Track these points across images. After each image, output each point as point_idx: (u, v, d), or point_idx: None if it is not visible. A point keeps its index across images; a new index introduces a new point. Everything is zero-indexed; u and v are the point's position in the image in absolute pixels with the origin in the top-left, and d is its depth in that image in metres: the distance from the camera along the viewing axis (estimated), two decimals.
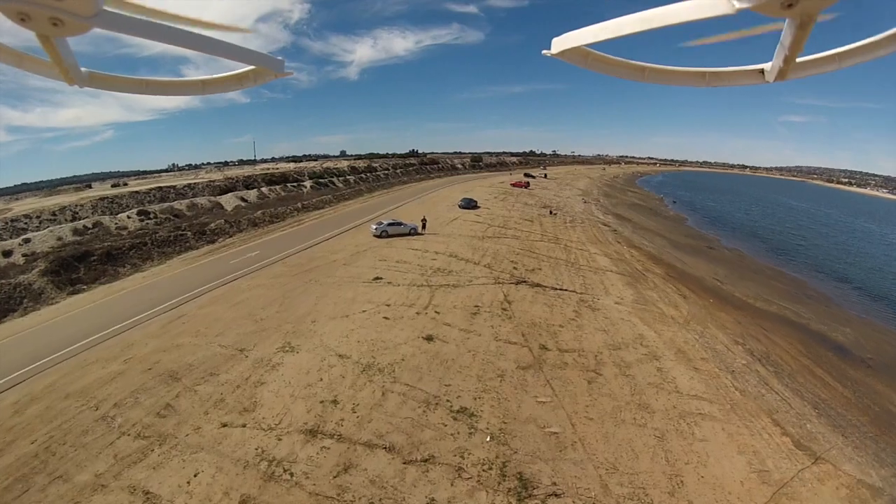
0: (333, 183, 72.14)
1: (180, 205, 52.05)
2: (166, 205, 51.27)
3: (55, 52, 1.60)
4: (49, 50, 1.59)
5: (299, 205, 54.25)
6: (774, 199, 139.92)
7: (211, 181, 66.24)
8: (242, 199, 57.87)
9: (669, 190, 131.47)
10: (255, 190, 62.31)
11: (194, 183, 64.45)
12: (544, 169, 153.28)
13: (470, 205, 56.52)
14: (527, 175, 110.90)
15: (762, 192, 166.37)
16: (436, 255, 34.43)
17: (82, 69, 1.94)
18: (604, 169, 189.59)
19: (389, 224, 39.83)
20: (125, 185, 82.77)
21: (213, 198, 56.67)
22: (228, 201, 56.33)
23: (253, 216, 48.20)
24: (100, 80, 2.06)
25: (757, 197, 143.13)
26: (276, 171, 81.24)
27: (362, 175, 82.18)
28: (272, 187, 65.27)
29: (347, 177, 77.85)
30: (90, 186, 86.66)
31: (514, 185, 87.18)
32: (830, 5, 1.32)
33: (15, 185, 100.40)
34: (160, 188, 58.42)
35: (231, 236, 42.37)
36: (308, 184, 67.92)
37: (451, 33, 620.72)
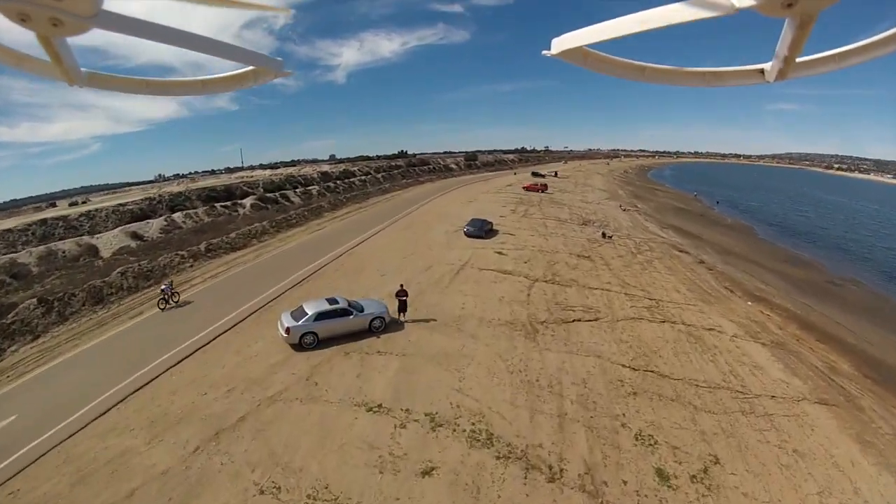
0: (287, 198, 48.92)
1: (29, 256, 29.67)
2: (7, 258, 29.02)
3: (55, 52, 1.49)
4: (49, 50, 1.48)
5: (202, 247, 31.06)
6: (804, 193, 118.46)
7: (120, 205, 43.53)
8: (135, 237, 35.17)
9: (692, 186, 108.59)
10: (160, 219, 39.57)
11: (96, 210, 41.70)
12: (565, 164, 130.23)
13: (482, 229, 33.49)
14: (535, 174, 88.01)
15: (783, 184, 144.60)
16: (439, 456, 11.67)
17: (82, 70, 1.72)
18: (607, 163, 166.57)
19: (321, 316, 16.48)
20: (84, 202, 63.51)
21: (87, 239, 33.97)
22: (110, 242, 33.83)
23: (105, 281, 25.44)
24: (100, 81, 1.82)
25: (785, 191, 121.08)
26: (219, 185, 58.33)
27: (331, 184, 58.84)
28: (195, 212, 42.30)
29: (310, 187, 54.54)
30: (54, 205, 70.58)
31: (528, 188, 64.34)
32: (830, 5, 1.25)
33: (3, 202, 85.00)
34: (44, 221, 36.35)
35: (36, 338, 19.78)
36: (248, 203, 44.69)
37: (437, 33, 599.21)
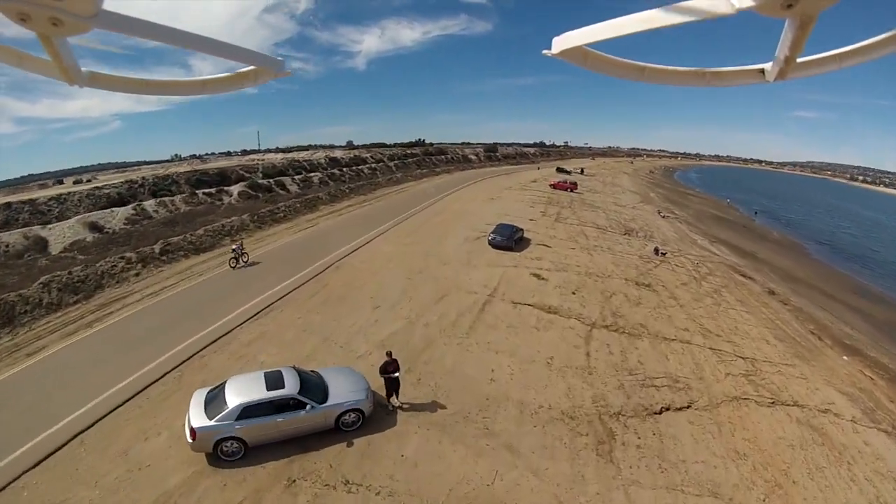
0: (283, 186, 41.93)
1: None
2: None
3: (55, 52, 1.46)
4: (49, 50, 1.45)
5: (157, 249, 24.02)
6: (839, 206, 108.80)
7: (97, 188, 37.77)
8: (94, 228, 28.99)
9: (724, 192, 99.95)
10: (128, 207, 33.30)
11: (69, 194, 35.86)
12: (593, 160, 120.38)
13: (512, 238, 26.01)
14: (560, 170, 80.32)
15: (816, 195, 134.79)
16: None
17: (83, 69, 1.67)
18: (631, 162, 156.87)
19: (251, 410, 9.11)
20: (89, 181, 58.99)
21: (37, 230, 27.87)
22: (64, 234, 28.01)
23: (22, 294, 19.03)
24: (100, 80, 1.77)
25: (819, 203, 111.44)
26: (213, 168, 51.98)
27: (336, 171, 51.70)
28: (171, 199, 35.79)
29: (312, 174, 47.48)
30: (61, 182, 67.64)
31: (555, 186, 56.76)
32: (831, 5, 1.22)
33: (21, 177, 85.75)
34: (9, 205, 30.96)
35: None
36: (235, 190, 37.88)
37: (459, 24, 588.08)
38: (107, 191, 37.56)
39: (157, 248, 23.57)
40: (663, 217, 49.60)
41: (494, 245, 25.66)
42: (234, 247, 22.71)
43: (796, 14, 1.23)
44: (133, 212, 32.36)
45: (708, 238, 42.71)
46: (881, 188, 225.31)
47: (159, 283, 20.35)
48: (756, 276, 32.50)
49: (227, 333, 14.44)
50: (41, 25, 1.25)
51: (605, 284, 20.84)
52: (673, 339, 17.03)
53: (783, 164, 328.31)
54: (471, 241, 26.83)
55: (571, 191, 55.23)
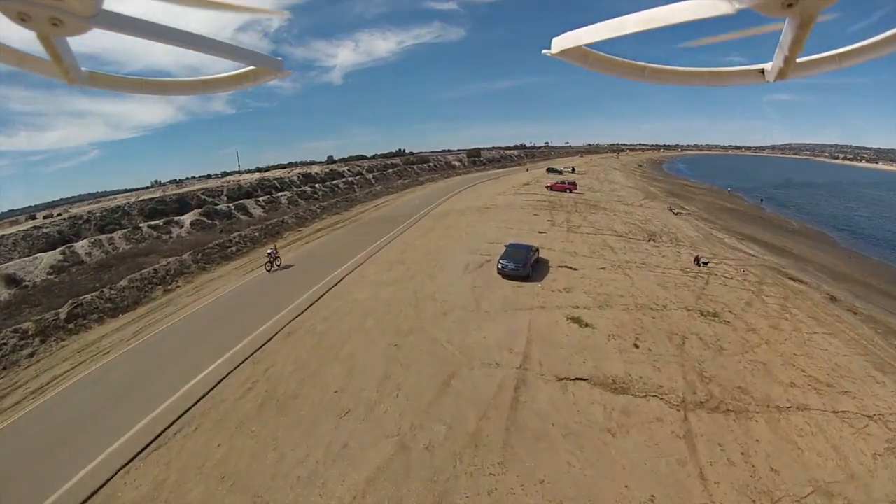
0: (245, 209, 36.10)
1: None
2: None
3: (55, 52, 1.43)
4: (49, 50, 1.41)
5: (63, 315, 17.97)
6: (837, 185, 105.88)
7: (34, 228, 32.10)
8: (10, 282, 23.52)
9: (720, 180, 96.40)
10: (55, 252, 27.60)
11: (1, 236, 30.01)
12: (581, 157, 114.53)
13: (528, 263, 20.35)
14: (551, 170, 75.74)
15: (811, 177, 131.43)
16: None
17: (82, 69, 1.62)
18: (617, 157, 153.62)
19: None
20: (59, 215, 53.95)
21: None
22: None
23: None
24: (100, 80, 1.70)
25: (819, 185, 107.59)
26: (170, 195, 46.16)
27: (308, 188, 45.87)
28: (109, 237, 30.02)
29: (279, 194, 41.62)
30: (34, 217, 63.53)
31: (552, 188, 51.77)
32: (831, 5, 1.20)
33: (2, 213, 79.16)
34: None
35: None
36: (187, 221, 32.03)
37: (433, 32, 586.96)
38: (46, 230, 31.68)
39: (63, 312, 17.65)
40: (676, 214, 44.81)
41: (506, 274, 20.07)
42: (269, 251, 23.22)
43: (796, 14, 1.19)
44: (60, 257, 26.49)
45: (733, 235, 37.91)
46: (862, 164, 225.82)
47: (54, 367, 14.49)
48: (805, 277, 27.85)
49: (103, 485, 8.68)
50: (41, 25, 1.23)
51: (666, 321, 15.45)
52: (788, 407, 11.79)
53: (762, 149, 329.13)
54: (473, 271, 21.27)
55: (571, 191, 50.25)
